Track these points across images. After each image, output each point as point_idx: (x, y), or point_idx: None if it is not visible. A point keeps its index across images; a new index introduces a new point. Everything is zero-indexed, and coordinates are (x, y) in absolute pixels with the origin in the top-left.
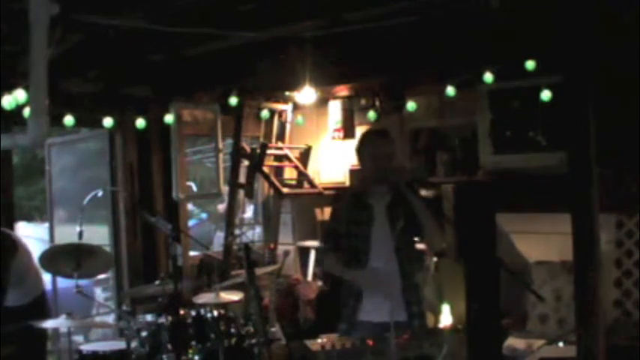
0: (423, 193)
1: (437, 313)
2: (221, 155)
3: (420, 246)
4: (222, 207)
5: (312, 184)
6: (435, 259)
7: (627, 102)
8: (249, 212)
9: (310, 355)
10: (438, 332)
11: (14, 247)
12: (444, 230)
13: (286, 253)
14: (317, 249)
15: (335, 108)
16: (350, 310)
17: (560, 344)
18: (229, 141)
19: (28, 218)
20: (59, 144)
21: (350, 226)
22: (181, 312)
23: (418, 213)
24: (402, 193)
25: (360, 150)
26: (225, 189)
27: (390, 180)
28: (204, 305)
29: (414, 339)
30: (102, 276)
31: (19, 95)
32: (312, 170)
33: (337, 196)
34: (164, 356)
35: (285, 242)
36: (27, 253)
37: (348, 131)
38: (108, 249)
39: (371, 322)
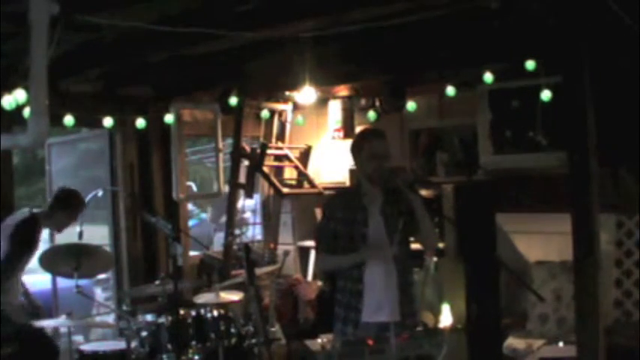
0: (423, 193)
1: (437, 313)
2: (221, 155)
3: (415, 245)
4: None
5: (312, 184)
6: (435, 259)
7: (627, 101)
8: (249, 212)
9: (310, 355)
10: (438, 332)
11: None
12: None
13: (286, 253)
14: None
15: (335, 108)
16: (351, 311)
17: (560, 344)
18: (229, 141)
19: None
20: (59, 144)
21: (346, 227)
22: (181, 312)
23: (416, 213)
24: (397, 193)
25: (358, 149)
26: (225, 189)
27: (391, 180)
28: (204, 305)
29: (414, 339)
30: (102, 276)
31: (19, 95)
32: (312, 170)
33: (330, 196)
34: (164, 356)
35: (285, 242)
36: None
37: (348, 131)
38: (108, 249)
39: (369, 323)
